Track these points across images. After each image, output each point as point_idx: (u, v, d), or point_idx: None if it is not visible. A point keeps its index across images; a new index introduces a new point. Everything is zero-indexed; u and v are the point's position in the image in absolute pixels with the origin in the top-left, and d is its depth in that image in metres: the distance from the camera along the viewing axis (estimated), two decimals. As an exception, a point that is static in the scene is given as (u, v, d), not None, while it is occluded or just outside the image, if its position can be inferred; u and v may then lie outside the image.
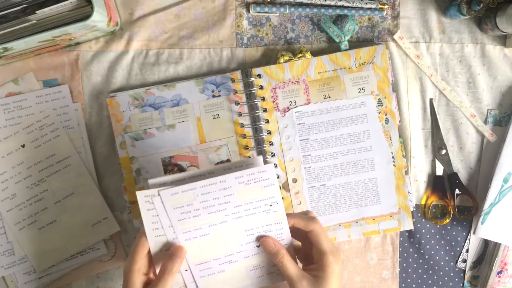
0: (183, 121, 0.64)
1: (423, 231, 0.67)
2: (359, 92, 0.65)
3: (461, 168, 0.67)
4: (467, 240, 0.67)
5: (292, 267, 0.49)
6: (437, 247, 0.67)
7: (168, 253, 0.51)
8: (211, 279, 0.53)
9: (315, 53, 0.66)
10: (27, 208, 0.64)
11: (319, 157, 0.65)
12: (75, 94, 0.65)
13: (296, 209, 0.65)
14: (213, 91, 0.64)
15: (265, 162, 0.64)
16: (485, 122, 0.67)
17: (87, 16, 0.54)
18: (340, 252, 0.66)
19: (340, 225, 0.66)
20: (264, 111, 0.64)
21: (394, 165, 0.65)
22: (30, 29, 0.55)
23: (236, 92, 0.64)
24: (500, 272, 0.65)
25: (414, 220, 0.66)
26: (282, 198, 0.64)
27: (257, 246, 0.53)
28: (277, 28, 0.66)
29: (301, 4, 0.65)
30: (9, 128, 0.63)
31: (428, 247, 0.67)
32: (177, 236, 0.50)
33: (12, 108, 0.64)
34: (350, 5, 0.65)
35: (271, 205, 0.51)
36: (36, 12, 0.52)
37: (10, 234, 0.64)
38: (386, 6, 0.65)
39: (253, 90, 0.64)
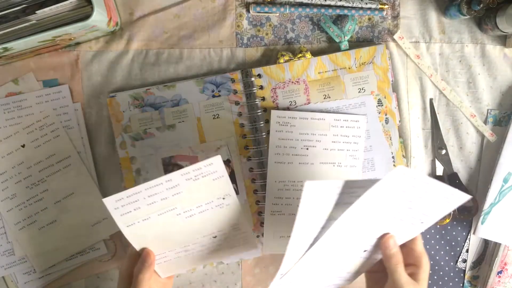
0: (183, 121, 0.64)
1: (423, 231, 0.67)
2: (359, 92, 0.65)
3: (461, 168, 0.67)
4: (467, 240, 0.67)
5: (404, 273, 0.49)
6: (437, 247, 0.67)
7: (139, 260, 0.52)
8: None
9: (315, 53, 0.66)
10: (27, 208, 0.63)
11: (319, 157, 0.65)
12: (75, 94, 0.65)
13: (296, 209, 0.65)
14: (213, 91, 0.64)
15: (265, 161, 0.64)
16: (485, 122, 0.67)
17: (87, 16, 0.53)
18: None
19: (340, 225, 0.66)
20: (264, 111, 0.64)
21: (394, 165, 0.65)
22: (30, 29, 0.55)
23: (236, 92, 0.64)
24: (500, 272, 0.65)
25: (414, 220, 0.66)
26: (282, 198, 0.64)
27: (213, 236, 0.54)
28: (277, 28, 0.66)
29: (301, 4, 0.65)
30: (9, 128, 0.63)
31: (428, 247, 0.67)
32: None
33: (12, 108, 0.64)
34: (350, 5, 0.65)
35: (223, 198, 0.51)
36: (36, 12, 0.52)
37: (10, 234, 0.64)
38: (386, 6, 0.65)
39: (253, 90, 0.64)
